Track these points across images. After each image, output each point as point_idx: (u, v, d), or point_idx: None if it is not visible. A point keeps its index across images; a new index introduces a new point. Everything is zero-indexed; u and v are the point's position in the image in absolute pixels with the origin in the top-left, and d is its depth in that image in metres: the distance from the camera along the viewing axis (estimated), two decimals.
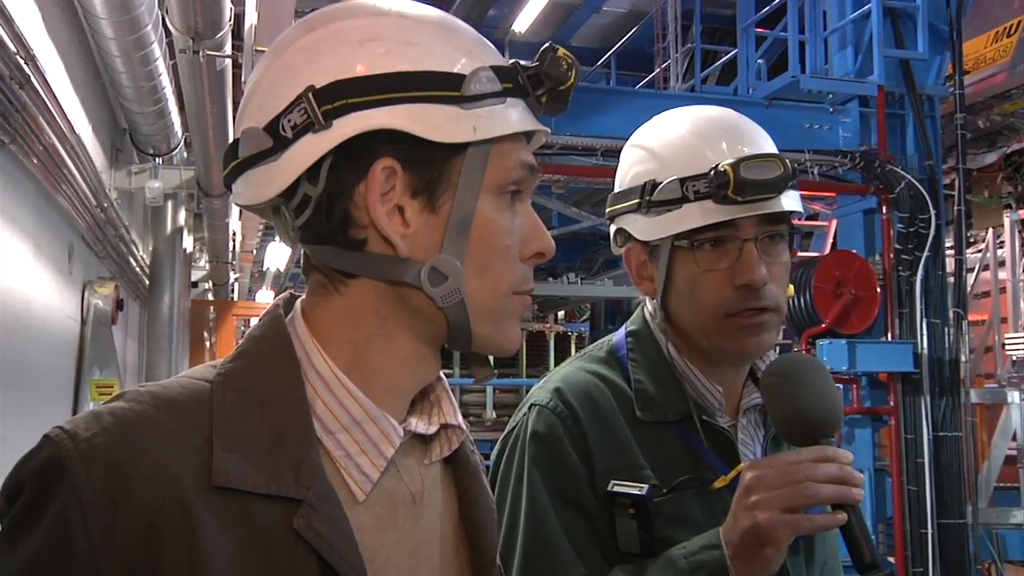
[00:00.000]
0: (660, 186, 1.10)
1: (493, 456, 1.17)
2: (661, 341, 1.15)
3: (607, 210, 1.21)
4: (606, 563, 1.06)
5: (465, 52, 0.71)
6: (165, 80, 3.40)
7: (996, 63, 6.61)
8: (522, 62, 0.72)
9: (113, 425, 0.64)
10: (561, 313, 9.33)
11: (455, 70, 0.69)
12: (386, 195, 0.68)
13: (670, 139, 1.14)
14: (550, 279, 7.55)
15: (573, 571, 1.05)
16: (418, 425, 0.74)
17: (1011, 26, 6.55)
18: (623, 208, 1.16)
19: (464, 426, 0.78)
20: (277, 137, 0.68)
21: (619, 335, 1.21)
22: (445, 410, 0.76)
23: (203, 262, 7.29)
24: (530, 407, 1.14)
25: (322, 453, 0.68)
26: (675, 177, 1.09)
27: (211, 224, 5.88)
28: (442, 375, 0.78)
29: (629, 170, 1.17)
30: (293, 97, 0.68)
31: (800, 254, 6.89)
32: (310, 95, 0.67)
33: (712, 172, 1.06)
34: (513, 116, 0.71)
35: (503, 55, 0.74)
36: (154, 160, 4.30)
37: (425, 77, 0.68)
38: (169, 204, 4.83)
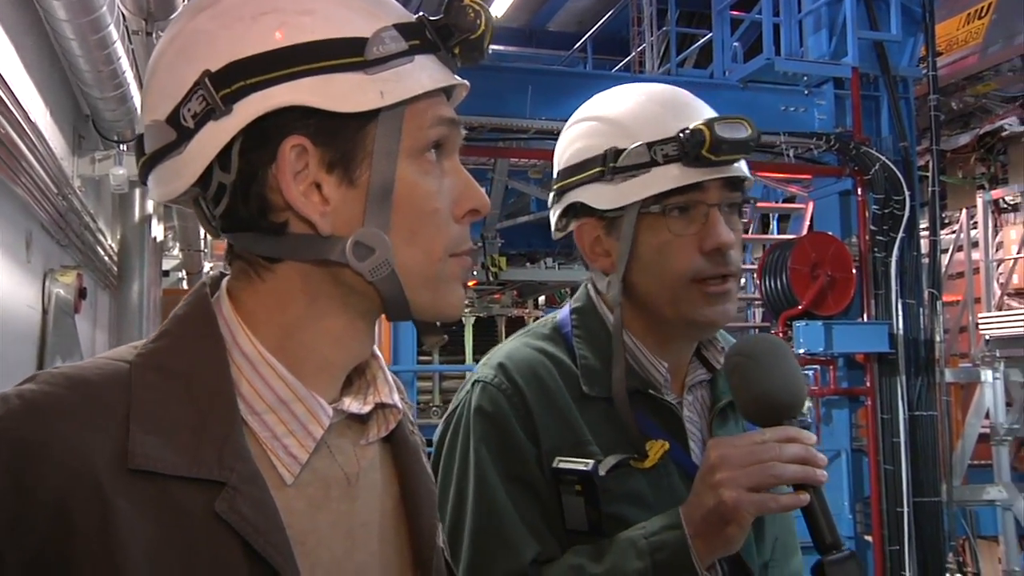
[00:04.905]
0: (625, 152, 1.08)
1: (437, 435, 1.14)
2: (606, 317, 1.14)
3: (555, 186, 1.17)
4: (556, 542, 1.05)
5: (366, 14, 0.67)
6: (125, 64, 3.31)
7: (968, 45, 6.64)
8: (429, 16, 0.69)
9: (20, 408, 0.61)
10: (542, 298, 9.33)
11: (356, 34, 0.66)
12: (300, 173, 0.65)
13: (629, 108, 1.13)
14: (528, 264, 7.52)
15: (525, 549, 1.03)
16: (351, 405, 0.71)
17: (982, 8, 6.59)
18: (580, 179, 1.12)
19: (402, 405, 0.75)
20: (179, 128, 0.66)
21: (563, 312, 1.20)
22: (380, 389, 0.73)
23: (175, 251, 7.19)
24: (474, 383, 1.12)
25: (248, 435, 0.66)
26: (641, 142, 1.07)
27: (180, 211, 5.78)
28: (378, 353, 0.75)
29: (580, 142, 1.15)
30: (190, 84, 0.65)
31: (777, 236, 6.91)
32: (207, 80, 0.64)
33: (684, 133, 1.05)
34: (423, 74, 0.68)
35: None
36: (118, 147, 4.19)
37: (324, 46, 0.65)
38: (136, 192, 4.73)
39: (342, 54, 0.65)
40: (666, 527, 0.98)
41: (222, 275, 0.73)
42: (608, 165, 1.08)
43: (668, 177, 1.06)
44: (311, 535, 0.67)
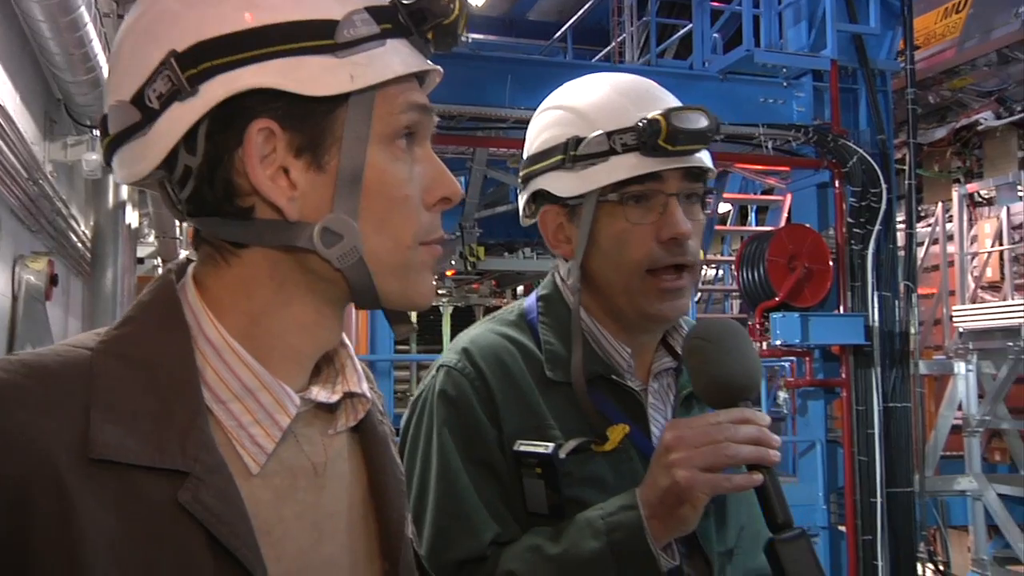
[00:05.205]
0: (585, 140, 1.09)
1: (403, 419, 1.15)
2: (571, 303, 1.15)
3: (521, 173, 1.18)
4: (517, 524, 1.06)
5: None
6: (97, 47, 3.25)
7: (945, 39, 6.71)
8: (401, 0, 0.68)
9: None
10: (520, 288, 9.33)
11: (326, 16, 0.64)
12: (267, 158, 0.64)
13: (592, 98, 1.13)
14: (506, 254, 7.51)
15: (486, 531, 1.04)
16: (319, 394, 0.70)
17: (959, 2, 6.65)
18: (543, 167, 1.14)
19: (371, 395, 0.74)
20: (144, 109, 0.64)
21: (530, 300, 1.21)
22: (349, 378, 0.72)
23: (151, 238, 7.09)
24: (438, 368, 1.13)
25: (212, 423, 0.64)
26: (601, 131, 1.08)
27: (155, 198, 5.70)
28: (347, 341, 0.74)
29: (546, 131, 1.16)
30: (155, 64, 0.64)
31: (755, 228, 6.96)
32: (172, 60, 0.63)
33: (641, 123, 1.06)
34: (395, 59, 0.66)
35: None
36: (91, 132, 4.13)
37: (293, 28, 0.63)
38: (110, 178, 4.66)
39: (312, 36, 0.64)
40: (622, 507, 0.99)
41: (189, 261, 0.71)
42: (569, 153, 1.09)
43: (626, 166, 1.06)
44: (277, 526, 0.66)
